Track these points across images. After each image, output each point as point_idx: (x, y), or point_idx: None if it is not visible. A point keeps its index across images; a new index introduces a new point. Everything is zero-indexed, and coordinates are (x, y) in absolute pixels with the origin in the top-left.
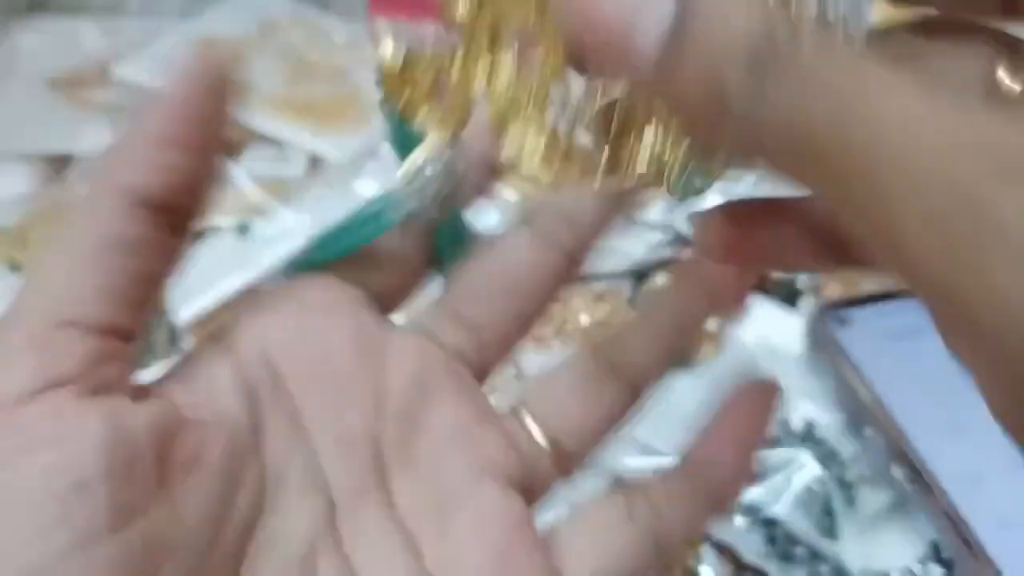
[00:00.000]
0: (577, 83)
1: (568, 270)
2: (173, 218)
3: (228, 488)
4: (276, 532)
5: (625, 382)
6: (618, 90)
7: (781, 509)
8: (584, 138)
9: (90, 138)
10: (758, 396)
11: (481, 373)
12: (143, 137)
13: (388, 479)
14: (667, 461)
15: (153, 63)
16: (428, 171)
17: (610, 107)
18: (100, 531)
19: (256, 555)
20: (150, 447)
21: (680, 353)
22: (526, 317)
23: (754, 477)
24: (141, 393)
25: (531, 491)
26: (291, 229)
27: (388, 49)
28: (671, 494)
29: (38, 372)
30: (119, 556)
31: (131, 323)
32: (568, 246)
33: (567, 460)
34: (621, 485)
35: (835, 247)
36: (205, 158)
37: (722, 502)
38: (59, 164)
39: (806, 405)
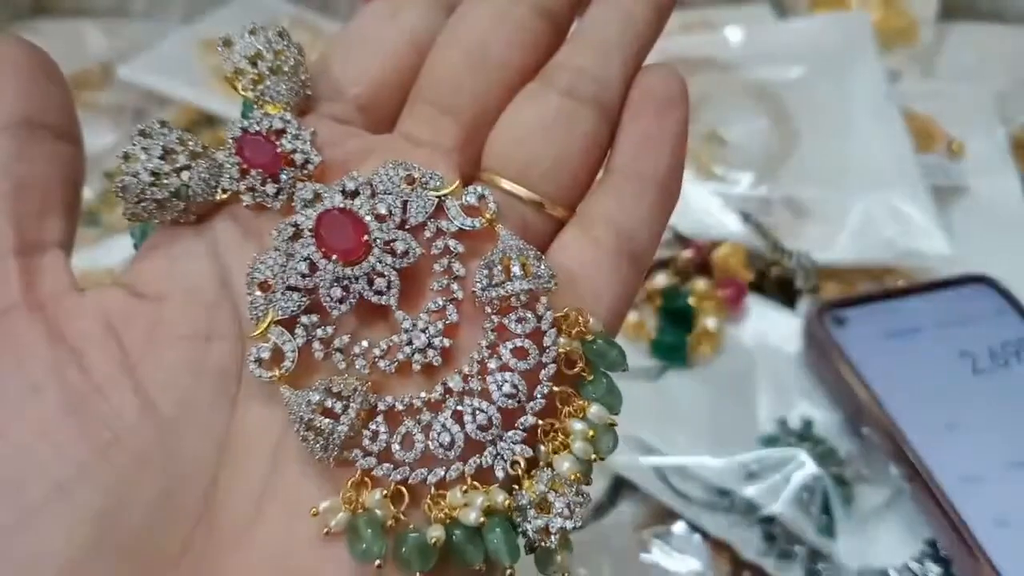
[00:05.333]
0: None
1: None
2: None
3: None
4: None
5: (593, 106)
6: None
7: (779, 507)
8: None
9: (93, 139)
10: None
11: (473, 159)
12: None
13: None
14: (668, 461)
15: (156, 65)
16: None
17: None
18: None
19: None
20: (98, 336)
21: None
22: (511, 86)
23: None
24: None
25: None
26: None
27: None
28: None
29: None
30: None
31: (48, 233)
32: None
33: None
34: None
35: None
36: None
37: None
38: None
39: (804, 404)
